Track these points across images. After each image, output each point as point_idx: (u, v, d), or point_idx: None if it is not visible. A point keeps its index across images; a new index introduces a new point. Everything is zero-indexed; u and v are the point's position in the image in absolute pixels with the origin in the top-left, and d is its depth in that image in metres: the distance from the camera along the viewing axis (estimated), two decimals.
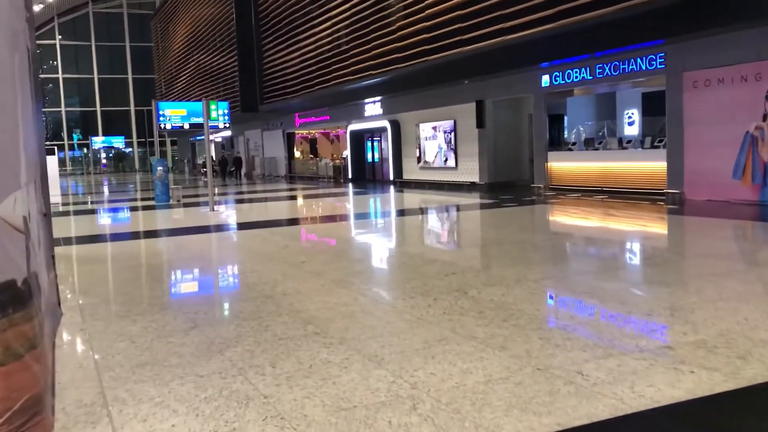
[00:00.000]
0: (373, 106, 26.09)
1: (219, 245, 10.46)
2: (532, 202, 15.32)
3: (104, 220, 16.34)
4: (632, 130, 17.12)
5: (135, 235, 12.29)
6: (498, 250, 8.38)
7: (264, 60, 32.61)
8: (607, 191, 15.71)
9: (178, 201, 19.52)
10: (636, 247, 9.13)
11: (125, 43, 61.48)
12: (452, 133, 21.35)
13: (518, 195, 17.04)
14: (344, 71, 24.36)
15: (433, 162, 22.52)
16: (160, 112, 19.86)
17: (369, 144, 27.60)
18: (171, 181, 33.90)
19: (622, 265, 7.83)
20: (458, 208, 15.30)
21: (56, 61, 60.07)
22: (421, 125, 22.98)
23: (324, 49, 26.13)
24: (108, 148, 56.99)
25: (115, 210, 19.12)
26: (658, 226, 11.31)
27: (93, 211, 18.93)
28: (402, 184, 24.07)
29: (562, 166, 17.28)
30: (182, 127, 20.31)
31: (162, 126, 20.00)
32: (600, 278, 6.54)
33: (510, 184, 20.06)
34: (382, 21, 21.63)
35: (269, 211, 16.88)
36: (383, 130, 25.55)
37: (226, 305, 6.07)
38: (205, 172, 47.15)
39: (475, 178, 20.45)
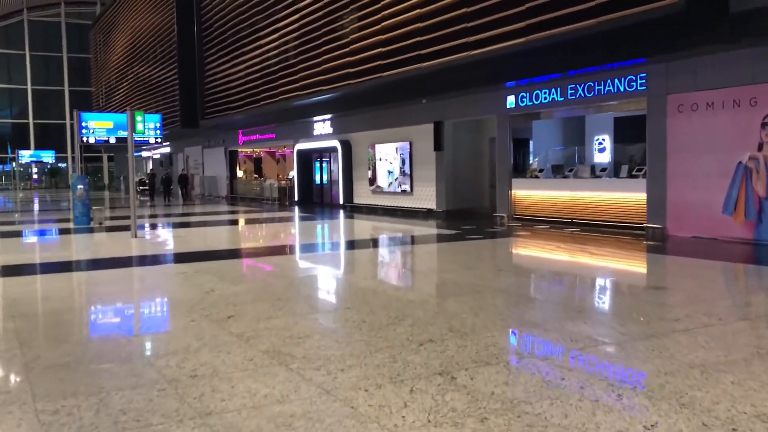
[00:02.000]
0: (322, 125, 24.38)
1: (124, 288, 8.44)
2: (498, 235, 13.82)
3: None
4: (603, 157, 15.90)
5: (19, 270, 10.17)
6: (479, 301, 6.71)
7: (206, 73, 30.60)
8: (579, 223, 14.35)
9: (100, 224, 17.33)
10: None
11: (62, 54, 58.30)
12: (408, 156, 19.80)
13: (481, 225, 15.53)
14: (292, 86, 22.63)
15: (387, 186, 20.90)
16: (83, 124, 17.71)
17: (317, 165, 25.84)
18: (107, 199, 31.38)
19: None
20: (418, 240, 13.65)
21: None
22: (375, 146, 21.38)
23: (271, 62, 24.37)
24: (38, 163, 53.41)
25: (17, 234, 16.74)
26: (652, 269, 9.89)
27: None
28: (352, 209, 22.35)
29: (527, 194, 15.88)
30: (107, 140, 18.17)
31: (84, 139, 17.82)
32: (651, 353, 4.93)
33: (469, 212, 18.58)
34: (334, 33, 20.04)
35: (201, 240, 14.88)
36: (333, 150, 23.85)
37: (99, 401, 4.10)
38: (142, 190, 44.79)
39: (432, 205, 18.90)
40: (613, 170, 14.52)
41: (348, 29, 19.33)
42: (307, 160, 26.30)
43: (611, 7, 11.69)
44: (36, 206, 29.98)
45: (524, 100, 15.60)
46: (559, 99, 14.71)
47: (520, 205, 16.05)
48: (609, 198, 13.84)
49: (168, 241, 14.40)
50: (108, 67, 46.91)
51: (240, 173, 34.34)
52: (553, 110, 15.39)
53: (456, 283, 7.93)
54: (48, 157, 51.36)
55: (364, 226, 17.36)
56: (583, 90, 14.08)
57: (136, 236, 14.07)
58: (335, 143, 23.41)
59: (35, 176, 57.78)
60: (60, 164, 57.60)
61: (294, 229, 17.49)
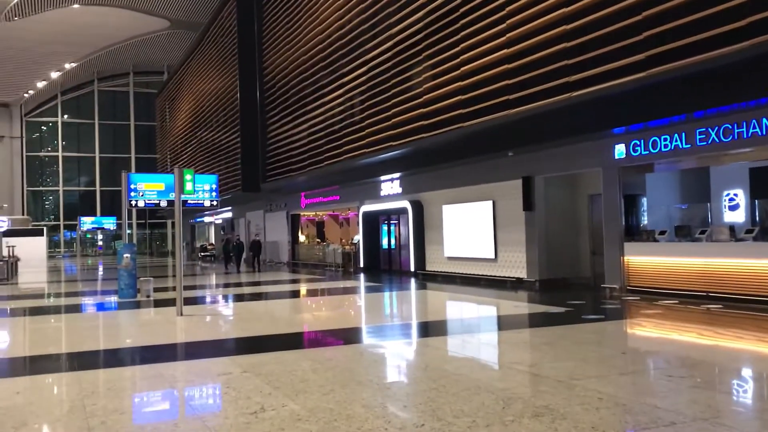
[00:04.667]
0: (390, 185, 22.29)
1: (133, 404, 6.24)
2: (621, 314, 11.13)
3: (18, 328, 12.17)
4: (735, 216, 13.12)
5: (18, 367, 8.11)
6: None
7: (268, 135, 29.29)
8: (716, 297, 11.50)
9: (147, 297, 15.41)
10: None
11: (130, 122, 59.09)
12: (491, 217, 17.36)
13: (590, 300, 12.86)
14: (358, 143, 20.75)
15: (466, 251, 18.43)
16: (132, 186, 16.07)
17: (385, 228, 23.65)
18: (170, 267, 30.00)
19: None
20: (524, 322, 11.06)
21: (57, 138, 57.56)
22: (450, 207, 19.05)
23: (335, 119, 22.69)
24: (101, 229, 53.36)
25: (47, 311, 14.96)
26: None
27: (19, 313, 14.75)
28: (425, 277, 19.91)
29: (645, 261, 13.13)
30: (158, 204, 16.47)
31: (133, 203, 16.17)
32: None
33: (566, 282, 15.88)
34: (405, 84, 18.12)
35: (258, 319, 12.66)
36: (402, 212, 21.65)
37: None
38: (203, 256, 43.53)
39: (521, 273, 16.28)
40: (761, 232, 11.69)
41: (421, 78, 17.38)
42: (373, 223, 24.18)
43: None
44: (88, 275, 28.67)
45: (637, 149, 13.05)
46: (684, 146, 12.10)
47: (635, 274, 13.29)
48: (759, 266, 10.99)
49: (219, 322, 12.23)
50: (173, 133, 46.84)
51: (302, 238, 32.52)
52: (675, 160, 12.77)
53: (627, 408, 5.35)
54: (109, 223, 51.19)
55: (446, 301, 14.88)
56: (717, 134, 11.47)
57: (181, 314, 12.00)
58: (405, 204, 21.22)
59: (100, 243, 57.72)
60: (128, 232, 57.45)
61: (363, 304, 15.14)
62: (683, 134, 12.10)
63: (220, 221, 44.68)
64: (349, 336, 9.82)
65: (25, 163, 56.38)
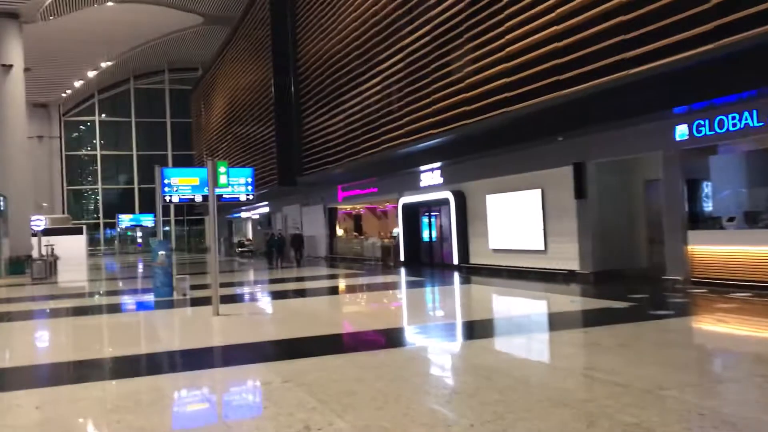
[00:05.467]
0: (431, 175, 21.47)
1: (171, 424, 5.60)
2: (693, 309, 10.21)
3: (49, 330, 11.76)
4: None
5: (42, 375, 7.59)
6: None
7: (303, 127, 28.72)
8: None
9: (183, 295, 14.92)
10: None
11: (166, 119, 59.30)
12: (539, 207, 16.46)
13: (653, 293, 11.91)
14: (396, 132, 20.01)
15: (512, 243, 17.56)
16: (166, 181, 15.60)
17: (425, 220, 22.87)
18: (209, 263, 29.76)
19: None
20: (585, 320, 10.21)
21: (95, 137, 58.07)
22: (495, 196, 18.19)
23: (372, 109, 21.96)
24: (139, 227, 53.83)
25: (81, 312, 14.59)
26: None
27: (54, 314, 14.40)
28: (469, 271, 19.10)
29: (712, 251, 12.12)
30: (193, 199, 15.98)
31: (167, 198, 15.70)
32: None
33: (622, 273, 14.90)
34: (446, 68, 17.31)
35: (299, 319, 11.99)
36: (444, 202, 20.83)
37: None
38: (241, 252, 43.28)
39: (574, 265, 15.35)
40: None
41: (463, 61, 16.53)
42: (413, 215, 23.41)
43: None
44: (125, 273, 28.52)
45: (701, 129, 12.03)
46: (756, 124, 11.06)
47: (700, 264, 12.29)
48: None
49: (257, 322, 11.62)
50: (208, 129, 46.74)
51: (340, 232, 31.94)
52: (743, 140, 11.73)
53: (739, 429, 4.53)
54: (147, 220, 51.50)
55: (496, 296, 14.07)
56: None
57: (218, 314, 11.44)
58: (446, 195, 20.39)
59: (139, 240, 58.12)
60: (164, 228, 57.74)
61: (407, 300, 14.42)
62: (755, 112, 11.05)
63: (257, 216, 44.43)
64: (396, 337, 9.11)
65: (64, 163, 57.00)
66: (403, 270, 21.41)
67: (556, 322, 10.14)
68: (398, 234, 24.43)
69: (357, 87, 23.02)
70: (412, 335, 9.34)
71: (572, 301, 11.93)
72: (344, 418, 4.85)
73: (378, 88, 21.48)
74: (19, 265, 27.60)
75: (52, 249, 27.27)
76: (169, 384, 6.65)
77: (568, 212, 15.45)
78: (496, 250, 18.33)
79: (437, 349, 8.09)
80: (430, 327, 10.00)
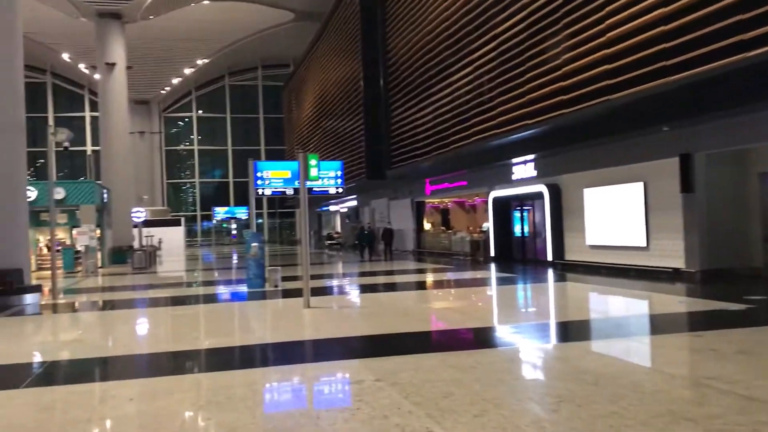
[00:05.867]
0: (523, 167, 20.79)
1: (259, 423, 5.47)
2: None
3: (147, 320, 12.06)
4: None
5: (136, 366, 7.67)
6: None
7: (392, 120, 28.55)
8: None
9: (275, 287, 15.07)
10: None
11: (259, 114, 60.81)
12: (641, 201, 15.56)
13: None
14: (488, 124, 19.47)
15: (611, 239, 16.70)
16: (258, 174, 15.77)
17: (517, 214, 22.20)
18: (300, 255, 30.24)
19: None
20: (697, 323, 9.48)
21: (192, 133, 60.27)
22: (593, 190, 17.37)
23: (462, 100, 21.48)
24: (234, 219, 55.68)
25: (176, 302, 14.94)
26: None
27: (152, 303, 14.82)
28: (564, 267, 18.35)
29: None
30: (284, 192, 16.10)
31: (260, 191, 15.87)
32: None
33: (732, 272, 13.86)
34: (541, 56, 16.63)
35: (390, 312, 11.77)
36: (537, 196, 20.12)
37: None
38: (330, 245, 43.76)
39: (679, 263, 14.41)
40: None
41: (560, 48, 15.82)
42: (504, 209, 22.78)
43: None
44: (220, 264, 29.31)
45: None
46: None
47: None
48: None
49: (347, 315, 11.50)
50: (299, 124, 47.50)
51: (427, 226, 31.63)
52: None
53: None
54: (241, 213, 53.05)
55: (595, 295, 13.39)
56: None
57: (308, 306, 11.41)
58: (540, 188, 19.68)
59: (234, 232, 59.95)
60: (257, 220, 59.34)
61: (501, 297, 13.97)
62: None
63: (345, 210, 44.79)
64: (490, 337, 8.73)
65: (164, 157, 59.50)
66: (493, 266, 20.87)
67: (664, 324, 9.45)
68: (488, 229, 23.87)
69: (447, 78, 22.60)
70: (507, 335, 8.92)
71: (680, 302, 11.14)
72: (443, 425, 4.56)
73: (469, 78, 20.99)
74: (121, 255, 28.92)
75: (159, 240, 28.34)
76: (261, 379, 6.55)
77: (673, 206, 14.50)
78: (593, 247, 17.51)
79: (536, 351, 7.65)
80: (525, 326, 9.55)
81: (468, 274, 18.78)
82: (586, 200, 17.61)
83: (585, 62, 14.80)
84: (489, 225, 23.64)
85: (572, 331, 9.07)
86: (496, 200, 22.84)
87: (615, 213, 16.45)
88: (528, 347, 7.88)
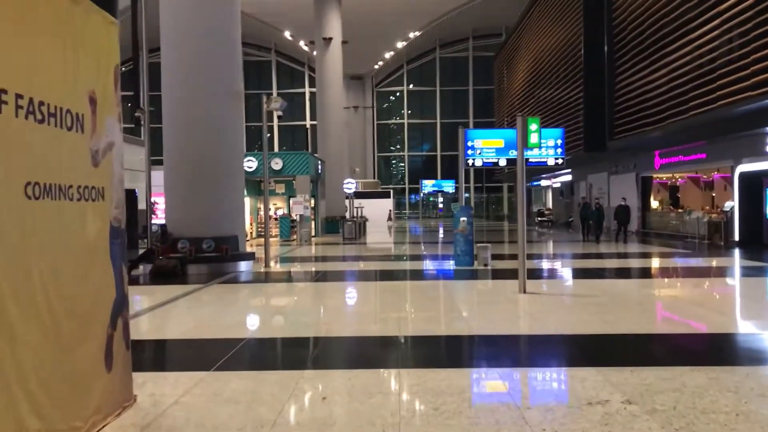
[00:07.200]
0: None
1: None
2: None
3: (351, 296, 11.45)
4: None
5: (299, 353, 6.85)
6: None
7: (616, 86, 25.79)
8: None
9: (485, 266, 13.93)
10: None
11: (468, 87, 59.85)
12: None
13: None
14: (738, 85, 16.43)
15: None
16: (469, 143, 14.66)
17: None
18: (506, 232, 28.99)
19: None
20: None
21: (402, 107, 60.98)
22: None
23: (705, 59, 18.46)
24: (441, 192, 55.66)
25: (384, 276, 14.28)
26: None
27: (360, 276, 14.34)
28: None
29: None
30: (497, 163, 14.83)
31: (470, 162, 14.77)
32: None
33: None
34: None
35: (623, 308, 9.97)
36: None
37: None
38: (540, 221, 41.66)
39: None
40: None
41: None
42: (755, 186, 19.39)
43: None
44: (427, 238, 28.78)
45: None
46: None
47: None
48: None
49: (573, 305, 9.90)
50: (510, 95, 45.73)
51: (654, 204, 28.44)
52: None
53: None
54: (448, 186, 52.71)
55: None
56: None
57: (524, 291, 10.11)
58: None
59: (440, 205, 59.95)
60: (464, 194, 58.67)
61: (763, 292, 11.52)
62: None
63: (558, 185, 42.31)
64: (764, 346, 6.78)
65: (375, 131, 60.96)
66: (737, 252, 17.80)
67: None
68: (731, 208, 20.57)
69: (686, 35, 19.59)
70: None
71: None
72: None
73: (714, 33, 17.93)
74: (333, 224, 29.72)
75: (361, 210, 28.68)
76: (465, 383, 5.43)
77: None
78: None
79: None
80: None
81: (711, 261, 16.11)
82: None
83: None
84: (734, 204, 20.35)
85: None
86: (743, 175, 19.54)
87: None
88: None
